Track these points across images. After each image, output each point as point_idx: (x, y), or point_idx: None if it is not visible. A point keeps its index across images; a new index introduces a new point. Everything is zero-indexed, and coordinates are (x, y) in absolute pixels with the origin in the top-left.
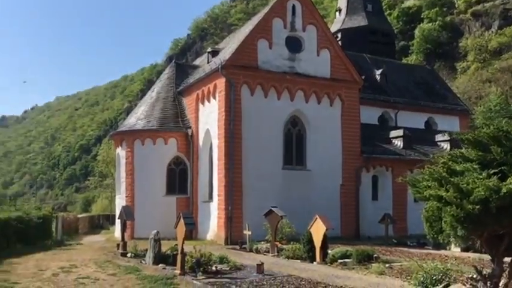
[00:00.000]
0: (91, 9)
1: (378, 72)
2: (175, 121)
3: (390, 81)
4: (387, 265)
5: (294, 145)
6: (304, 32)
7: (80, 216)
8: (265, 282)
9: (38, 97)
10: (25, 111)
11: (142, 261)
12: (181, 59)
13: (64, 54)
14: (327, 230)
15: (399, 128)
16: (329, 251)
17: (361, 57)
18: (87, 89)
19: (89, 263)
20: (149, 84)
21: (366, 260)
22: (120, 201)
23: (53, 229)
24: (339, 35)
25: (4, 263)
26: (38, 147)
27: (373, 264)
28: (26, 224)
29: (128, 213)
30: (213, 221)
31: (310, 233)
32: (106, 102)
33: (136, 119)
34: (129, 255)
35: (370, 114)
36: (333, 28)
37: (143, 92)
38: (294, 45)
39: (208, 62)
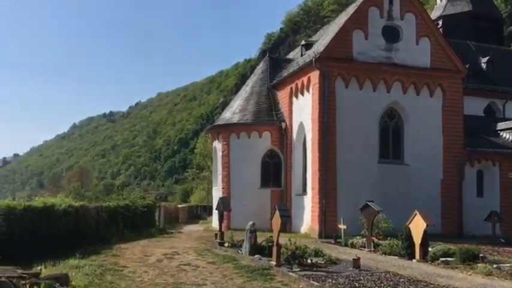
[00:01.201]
0: (191, 7)
1: (484, 60)
2: (269, 115)
3: (498, 69)
4: (495, 266)
5: (391, 138)
6: (402, 21)
7: (179, 206)
8: (362, 278)
9: (141, 94)
10: (130, 107)
11: (239, 251)
12: (275, 53)
13: (165, 53)
14: (427, 226)
15: (508, 119)
16: (430, 249)
17: (464, 44)
18: (185, 84)
19: (189, 250)
20: (243, 79)
21: (470, 259)
22: (216, 193)
23: (156, 218)
24: (440, 22)
25: (114, 248)
26: (142, 141)
27: (478, 265)
28: (133, 212)
29: (225, 204)
30: (307, 214)
31: (409, 229)
32: (203, 97)
33: (231, 113)
34: (226, 245)
35: (475, 105)
36: (434, 15)
37: (238, 87)
38: (391, 34)
39: (301, 55)
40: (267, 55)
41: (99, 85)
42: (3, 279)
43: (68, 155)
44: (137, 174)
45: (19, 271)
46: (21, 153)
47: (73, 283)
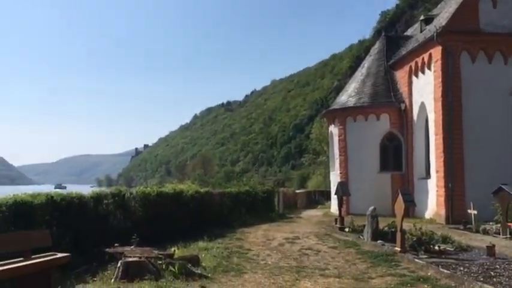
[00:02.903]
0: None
1: None
2: (387, 96)
3: None
4: None
5: None
6: None
7: (297, 191)
8: (498, 266)
9: (256, 82)
10: (246, 96)
11: (360, 237)
12: (390, 31)
13: (278, 40)
14: None
15: None
16: None
17: None
18: (298, 70)
19: (309, 235)
20: (358, 61)
21: None
22: (334, 178)
23: (275, 203)
24: None
25: (237, 232)
26: (258, 128)
27: None
28: (253, 198)
29: (344, 189)
30: (432, 199)
31: None
32: (316, 82)
33: (347, 96)
34: (346, 229)
35: None
36: None
37: (352, 70)
38: None
39: (421, 31)
40: (383, 34)
41: (216, 76)
42: (142, 259)
43: (191, 144)
44: (255, 160)
45: (156, 252)
46: (150, 144)
47: (203, 264)
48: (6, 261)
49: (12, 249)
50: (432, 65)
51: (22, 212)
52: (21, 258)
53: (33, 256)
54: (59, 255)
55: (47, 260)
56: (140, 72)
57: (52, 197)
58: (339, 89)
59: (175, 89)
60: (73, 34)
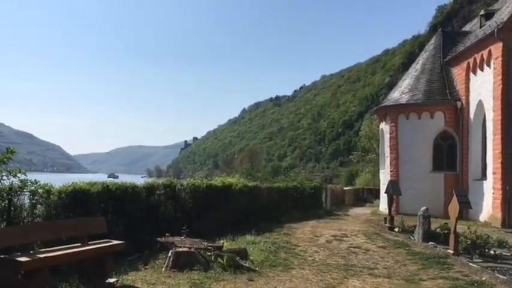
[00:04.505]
0: None
1: None
2: (442, 93)
3: None
4: None
5: None
6: None
7: (345, 188)
8: None
9: (306, 77)
10: (295, 91)
11: (411, 237)
12: (447, 26)
13: (328, 35)
14: None
15: None
16: None
17: None
18: (349, 66)
19: (358, 233)
20: (411, 57)
21: None
22: (384, 176)
23: (323, 199)
24: None
25: (285, 227)
26: (306, 124)
27: None
28: (301, 194)
29: (395, 187)
30: (487, 201)
31: None
32: (367, 78)
33: (400, 93)
34: (396, 229)
35: None
36: None
37: (405, 66)
38: None
39: (480, 27)
40: (440, 29)
41: (266, 70)
42: (192, 250)
43: (239, 138)
44: (302, 156)
45: (205, 243)
46: (199, 137)
47: (251, 257)
48: (65, 246)
49: (71, 235)
50: (492, 62)
51: (80, 200)
52: (79, 244)
53: (90, 242)
54: (114, 242)
55: (103, 247)
56: (191, 66)
57: (108, 185)
58: (390, 86)
59: (224, 82)
60: (130, 26)
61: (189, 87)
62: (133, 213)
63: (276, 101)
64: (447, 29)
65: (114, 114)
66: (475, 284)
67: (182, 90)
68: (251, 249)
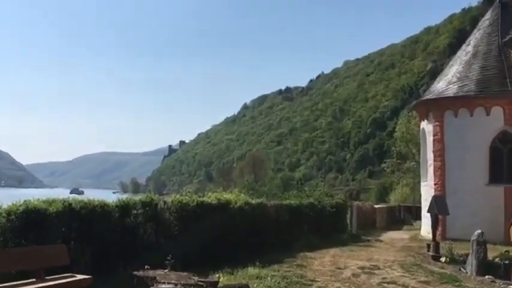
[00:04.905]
0: None
1: None
2: (500, 83)
3: None
4: None
5: None
6: None
7: (376, 206)
8: None
9: (324, 63)
10: (310, 81)
11: (462, 269)
12: None
13: (354, 11)
14: None
15: None
16: None
17: None
18: (380, 48)
19: (392, 264)
20: (460, 36)
21: None
22: (426, 190)
23: (348, 221)
24: None
25: (298, 256)
26: (325, 123)
27: None
28: (319, 213)
29: (440, 205)
30: None
31: None
32: (404, 64)
33: (446, 82)
34: (442, 259)
35: None
36: None
37: (452, 47)
38: None
39: None
40: (498, 0)
41: (273, 55)
42: (179, 286)
43: (238, 141)
44: (321, 165)
45: (195, 278)
46: (187, 140)
47: None
48: (15, 283)
49: (23, 268)
50: None
51: (35, 222)
52: (33, 280)
53: (47, 277)
54: (79, 277)
55: (65, 283)
56: (176, 52)
57: (70, 204)
58: (434, 73)
59: (220, 70)
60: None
61: (175, 77)
62: (104, 239)
63: (287, 93)
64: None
65: (77, 113)
66: None
67: (166, 81)
68: (255, 285)
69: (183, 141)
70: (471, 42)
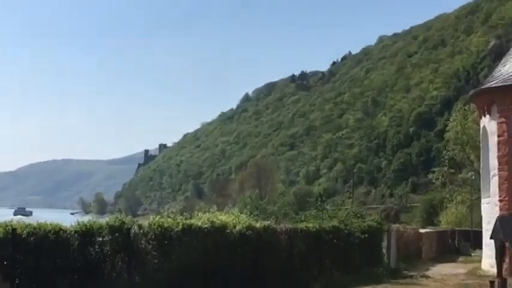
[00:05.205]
0: None
1: None
2: None
3: None
4: None
5: None
6: None
7: (422, 231)
8: None
9: (351, 41)
10: (333, 64)
11: None
12: None
13: None
14: None
15: None
16: None
17: None
18: (427, 20)
19: None
20: None
21: None
22: (489, 209)
23: (383, 250)
24: None
25: None
26: (353, 120)
27: None
28: (345, 241)
29: (508, 230)
30: None
31: None
32: (458, 41)
33: None
34: None
35: None
36: None
37: None
38: None
39: None
40: None
41: (284, 29)
42: None
43: (237, 144)
44: (348, 175)
45: None
46: (169, 144)
47: None
48: None
49: None
50: None
51: None
52: None
53: None
54: None
55: None
56: (159, 30)
57: (14, 229)
58: (498, 53)
59: (213, 50)
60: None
61: (154, 59)
62: (57, 277)
63: (302, 81)
64: None
65: (21, 109)
66: None
67: (140, 63)
68: None
69: (164, 145)
70: None
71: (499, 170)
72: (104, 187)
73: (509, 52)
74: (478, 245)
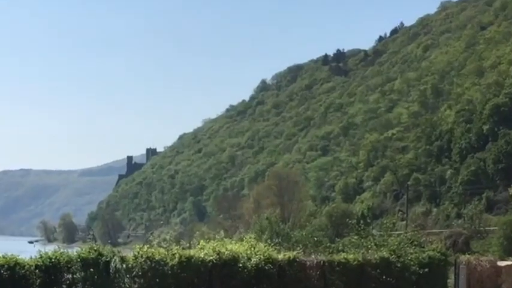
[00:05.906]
0: None
1: None
2: None
3: None
4: None
5: None
6: None
7: (502, 264)
8: None
9: (405, 9)
10: (379, 40)
11: None
12: None
13: None
14: None
15: None
16: None
17: None
18: None
19: None
20: None
21: None
22: None
23: None
24: None
25: None
26: (408, 114)
27: None
28: (398, 277)
29: None
30: None
31: None
32: None
33: None
34: None
35: None
36: None
37: None
38: None
39: None
40: None
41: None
42: None
43: (250, 148)
44: (400, 189)
45: None
46: (160, 148)
47: None
48: None
49: None
50: None
51: None
52: None
53: None
54: None
55: None
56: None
57: None
58: None
59: (220, 25)
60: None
61: (144, 39)
62: None
63: (337, 62)
64: None
65: None
66: None
67: (127, 45)
68: None
69: (153, 150)
70: None
71: None
72: (74, 206)
73: None
74: None
